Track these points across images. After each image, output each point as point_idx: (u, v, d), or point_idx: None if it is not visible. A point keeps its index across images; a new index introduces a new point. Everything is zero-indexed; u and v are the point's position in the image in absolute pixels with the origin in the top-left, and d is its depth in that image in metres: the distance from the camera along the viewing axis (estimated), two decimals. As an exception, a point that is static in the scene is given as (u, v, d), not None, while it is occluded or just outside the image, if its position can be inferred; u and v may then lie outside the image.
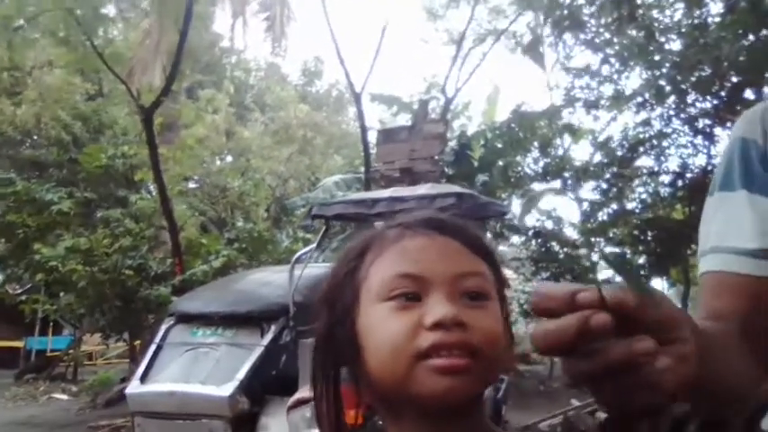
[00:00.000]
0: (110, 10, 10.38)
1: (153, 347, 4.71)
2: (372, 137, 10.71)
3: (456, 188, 4.05)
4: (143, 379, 4.51)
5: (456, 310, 0.64)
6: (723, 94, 8.36)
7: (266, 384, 4.35)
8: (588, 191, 10.72)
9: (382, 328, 0.66)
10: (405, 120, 11.47)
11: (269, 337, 4.37)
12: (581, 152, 12.04)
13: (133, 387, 4.49)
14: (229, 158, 15.24)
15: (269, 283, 5.03)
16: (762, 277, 0.91)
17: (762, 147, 0.95)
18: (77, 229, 9.97)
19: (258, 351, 4.31)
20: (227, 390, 4.11)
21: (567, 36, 9.62)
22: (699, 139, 9.68)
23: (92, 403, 8.91)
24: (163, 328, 4.85)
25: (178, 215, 9.88)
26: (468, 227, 0.76)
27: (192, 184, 13.31)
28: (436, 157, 6.90)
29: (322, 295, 0.75)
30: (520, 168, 11.13)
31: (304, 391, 3.51)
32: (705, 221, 1.02)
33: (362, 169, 11.15)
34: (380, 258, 0.70)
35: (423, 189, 4.26)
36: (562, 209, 10.43)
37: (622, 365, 0.48)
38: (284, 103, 14.43)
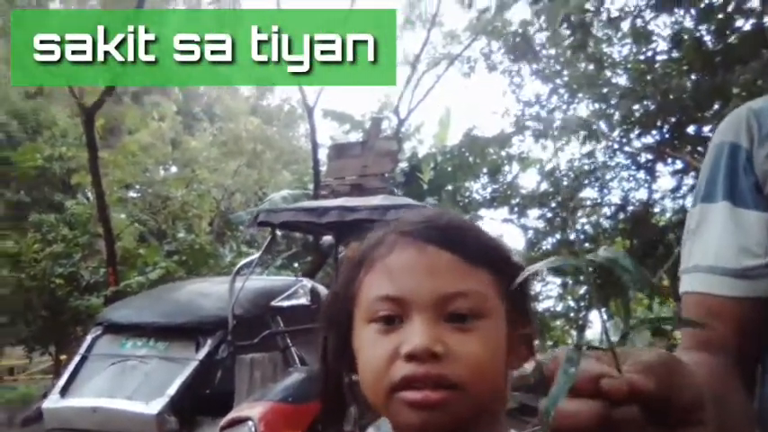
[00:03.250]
0: (55, 3, 10.02)
1: (76, 359, 4.40)
2: (324, 153, 10.63)
3: (410, 200, 3.97)
4: (63, 393, 4.21)
5: (431, 340, 0.61)
6: (665, 130, 8.64)
7: (198, 402, 4.12)
8: (534, 219, 10.89)
9: (366, 352, 0.66)
10: (356, 138, 11.42)
11: (204, 351, 4.15)
12: (528, 180, 12.25)
13: (51, 401, 4.17)
14: (174, 169, 14.83)
15: (207, 294, 4.81)
16: (748, 298, 0.87)
17: (748, 150, 0.91)
18: (5, 232, 9.45)
19: (192, 366, 4.08)
20: (155, 407, 3.86)
21: (519, 65, 9.81)
22: (641, 174, 10.00)
23: (8, 422, 8.35)
24: (89, 338, 4.55)
25: (115, 223, 9.50)
26: (471, 233, 0.70)
27: (132, 193, 12.87)
28: (387, 176, 6.83)
29: (325, 302, 0.76)
30: (468, 193, 11.23)
31: (239, 410, 3.33)
32: (688, 235, 0.96)
33: (311, 186, 11.03)
34: (369, 274, 0.68)
35: (376, 200, 4.17)
36: (508, 236, 10.52)
37: None
38: (234, 115, 14.16)
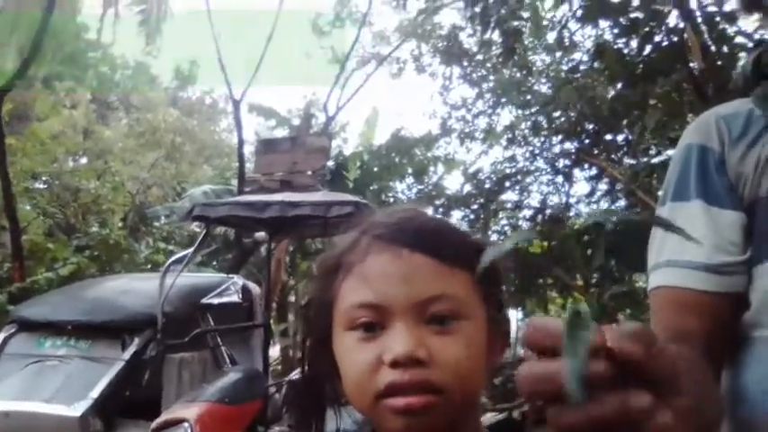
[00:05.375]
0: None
1: (-13, 359, 4.08)
2: (249, 148, 10.40)
3: (352, 197, 3.93)
4: (-30, 396, 3.88)
5: (413, 346, 0.61)
6: (584, 137, 9.05)
7: (124, 404, 3.92)
8: (457, 220, 11.12)
9: (348, 360, 0.65)
10: (281, 135, 11.25)
11: (131, 350, 3.95)
12: (453, 182, 12.48)
13: (-45, 405, 3.83)
14: (84, 160, 14.08)
15: (131, 290, 4.58)
16: (721, 293, 0.89)
17: (719, 153, 0.94)
18: None
19: (117, 366, 3.87)
20: (77, 409, 3.62)
21: (448, 68, 10.00)
22: (559, 178, 10.43)
23: None
24: (1, 336, 4.22)
25: (22, 215, 8.89)
26: (448, 234, 0.69)
27: (39, 185, 12.10)
28: (317, 172, 6.77)
29: (303, 306, 0.75)
30: (394, 193, 11.32)
31: (173, 412, 3.20)
32: (656, 234, 0.98)
33: (234, 182, 10.75)
34: (346, 281, 0.67)
35: (317, 196, 4.11)
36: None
37: (616, 421, 0.40)
38: (153, 106, 13.60)
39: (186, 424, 3.02)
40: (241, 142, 9.72)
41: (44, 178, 12.11)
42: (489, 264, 0.67)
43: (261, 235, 4.85)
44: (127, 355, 3.95)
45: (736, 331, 0.91)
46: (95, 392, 3.71)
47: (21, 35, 8.78)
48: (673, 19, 5.65)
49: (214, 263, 11.23)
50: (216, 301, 4.55)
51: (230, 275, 5.28)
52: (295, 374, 3.41)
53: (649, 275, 0.97)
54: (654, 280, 0.96)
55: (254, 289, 5.00)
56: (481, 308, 0.67)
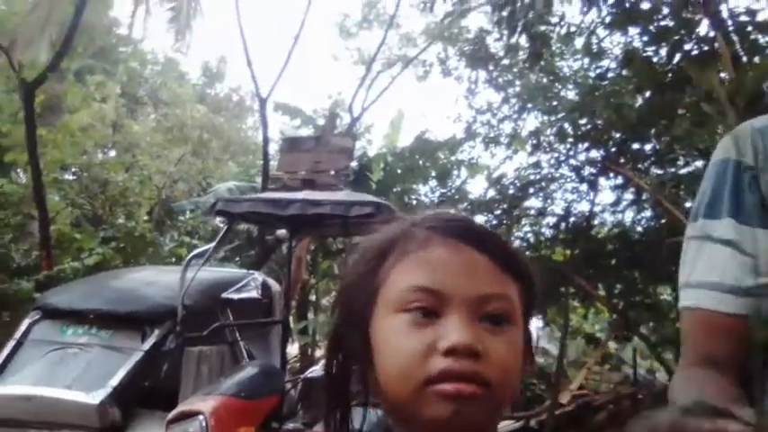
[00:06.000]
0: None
1: (11, 344, 4.16)
2: (274, 146, 10.47)
3: (373, 198, 3.94)
4: (-5, 379, 3.97)
5: (472, 337, 0.62)
6: (610, 145, 8.94)
7: (142, 395, 3.98)
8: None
9: (395, 343, 0.64)
10: (306, 134, 11.30)
11: (151, 341, 4.01)
12: (476, 186, 12.42)
13: (-22, 388, 3.92)
14: (113, 153, 14.30)
15: (154, 282, 4.65)
16: (751, 316, 0.88)
17: (753, 168, 0.93)
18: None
19: (137, 356, 3.94)
20: (96, 397, 3.69)
21: (474, 72, 9.95)
22: (584, 186, 10.31)
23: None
24: (26, 322, 4.30)
25: (50, 205, 9.07)
26: (500, 239, 0.70)
27: (68, 176, 12.32)
28: (341, 173, 6.78)
29: (339, 290, 0.74)
30: (416, 196, 11.30)
31: (189, 404, 3.24)
32: (688, 250, 0.97)
33: (258, 179, 10.84)
34: (402, 264, 0.67)
35: (340, 195, 4.13)
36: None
37: None
38: (181, 101, 13.76)
39: (201, 417, 3.06)
40: (266, 140, 9.80)
41: (73, 170, 12.34)
42: (532, 279, 0.71)
43: (282, 232, 4.89)
44: (147, 345, 4.01)
45: None
46: (114, 381, 3.78)
47: (53, 29, 8.96)
48: (703, 28, 5.57)
49: (237, 259, 11.33)
50: (236, 296, 4.59)
51: (251, 271, 5.32)
52: (311, 371, 3.43)
53: (680, 291, 0.97)
54: (685, 299, 0.96)
55: (274, 285, 5.04)
56: (521, 318, 0.68)
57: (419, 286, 0.64)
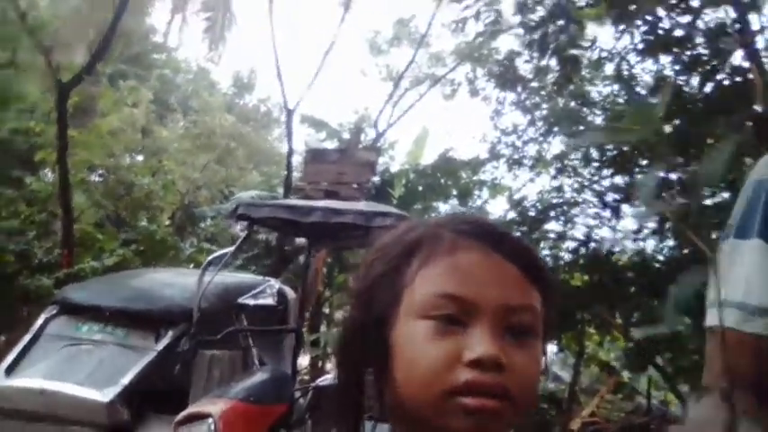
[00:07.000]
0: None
1: (27, 337, 4.21)
2: (298, 157, 10.55)
3: (393, 209, 3.93)
4: (9, 372, 4.01)
5: (498, 350, 0.60)
6: (635, 172, 8.85)
7: (152, 395, 3.99)
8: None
9: (418, 350, 0.62)
10: (331, 147, 11.38)
11: (165, 342, 4.03)
12: (497, 207, 12.37)
13: (-5, 380, 3.96)
14: (141, 157, 14.53)
15: (171, 284, 4.68)
16: None
17: None
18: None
19: (150, 356, 3.95)
20: (107, 394, 3.70)
21: (502, 94, 9.95)
22: (606, 213, 10.21)
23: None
24: (42, 317, 4.35)
25: (76, 205, 9.21)
26: (528, 247, 0.68)
27: (94, 177, 12.53)
28: (363, 186, 6.81)
29: (356, 288, 0.71)
30: (437, 214, 11.29)
31: (198, 406, 3.23)
32: (717, 269, 0.97)
33: (280, 189, 10.92)
34: (428, 268, 0.65)
35: (360, 205, 4.13)
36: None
37: None
38: (210, 110, 13.96)
39: (210, 419, 3.05)
40: (291, 151, 9.89)
41: (100, 171, 12.55)
42: (555, 292, 0.69)
43: (301, 241, 4.89)
44: (160, 346, 4.02)
45: None
46: (126, 380, 3.79)
47: (91, 33, 9.17)
48: (737, 58, 5.51)
49: (253, 267, 11.39)
50: (251, 301, 4.60)
51: (267, 278, 5.34)
52: (323, 380, 3.41)
53: (707, 310, 0.97)
54: (711, 318, 0.96)
55: (290, 293, 5.04)
56: (542, 331, 0.67)
57: (446, 293, 0.63)
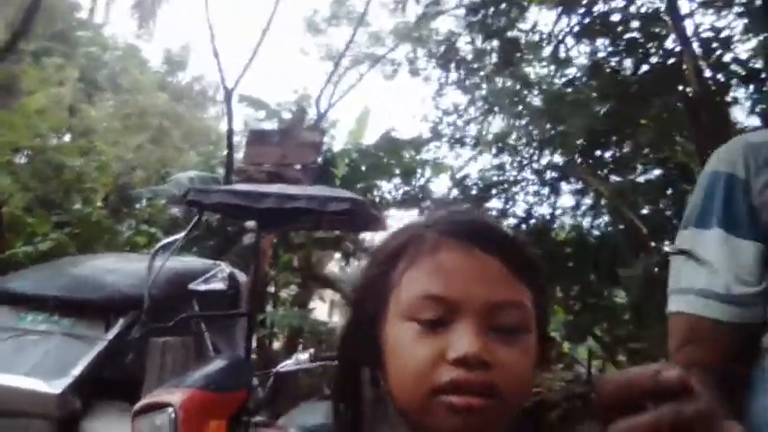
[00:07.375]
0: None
1: (-35, 330, 4.01)
2: (237, 138, 10.34)
3: (350, 194, 3.93)
4: (-51, 367, 3.81)
5: (481, 347, 0.60)
6: (573, 150, 9.14)
7: (104, 385, 3.88)
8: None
9: (405, 351, 0.63)
10: (270, 127, 11.20)
11: (115, 330, 3.91)
12: (440, 186, 12.53)
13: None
14: (68, 137, 13.89)
15: (118, 270, 4.53)
16: (737, 323, 0.93)
17: (745, 181, 0.97)
18: None
19: (100, 345, 3.84)
20: (57, 386, 3.57)
21: (443, 75, 10.03)
22: (545, 190, 10.53)
23: None
24: (-21, 309, 4.15)
25: (2, 188, 8.76)
26: (515, 241, 0.68)
27: (20, 159, 11.90)
28: (308, 167, 6.76)
29: (354, 290, 0.72)
30: (380, 193, 11.32)
31: (156, 396, 3.17)
32: (678, 257, 1.01)
33: (220, 170, 10.70)
34: (412, 269, 0.66)
35: (312, 189, 4.10)
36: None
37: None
38: (141, 88, 13.45)
39: (170, 408, 2.98)
40: (231, 131, 9.67)
41: (26, 152, 11.93)
42: (543, 286, 0.69)
43: (250, 224, 4.82)
44: (110, 335, 3.91)
45: (750, 361, 0.94)
46: (76, 370, 3.67)
47: (11, 9, 8.66)
48: (669, 42, 5.75)
49: (194, 248, 11.14)
50: (203, 287, 4.52)
51: (217, 262, 5.25)
52: (283, 366, 3.40)
53: (669, 297, 1.00)
54: (673, 304, 0.99)
55: (241, 277, 4.98)
56: (534, 324, 0.66)
57: (429, 294, 0.63)
